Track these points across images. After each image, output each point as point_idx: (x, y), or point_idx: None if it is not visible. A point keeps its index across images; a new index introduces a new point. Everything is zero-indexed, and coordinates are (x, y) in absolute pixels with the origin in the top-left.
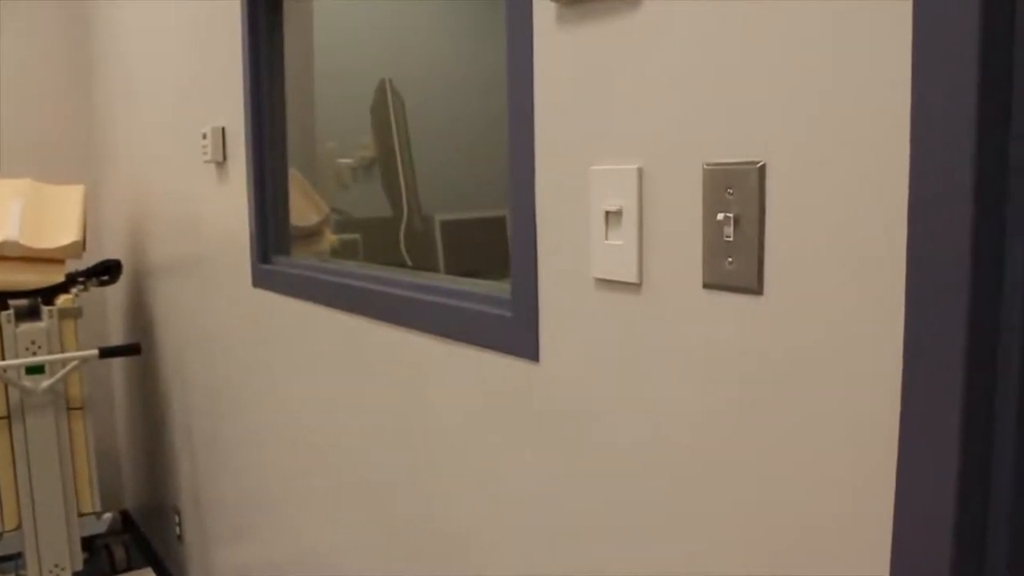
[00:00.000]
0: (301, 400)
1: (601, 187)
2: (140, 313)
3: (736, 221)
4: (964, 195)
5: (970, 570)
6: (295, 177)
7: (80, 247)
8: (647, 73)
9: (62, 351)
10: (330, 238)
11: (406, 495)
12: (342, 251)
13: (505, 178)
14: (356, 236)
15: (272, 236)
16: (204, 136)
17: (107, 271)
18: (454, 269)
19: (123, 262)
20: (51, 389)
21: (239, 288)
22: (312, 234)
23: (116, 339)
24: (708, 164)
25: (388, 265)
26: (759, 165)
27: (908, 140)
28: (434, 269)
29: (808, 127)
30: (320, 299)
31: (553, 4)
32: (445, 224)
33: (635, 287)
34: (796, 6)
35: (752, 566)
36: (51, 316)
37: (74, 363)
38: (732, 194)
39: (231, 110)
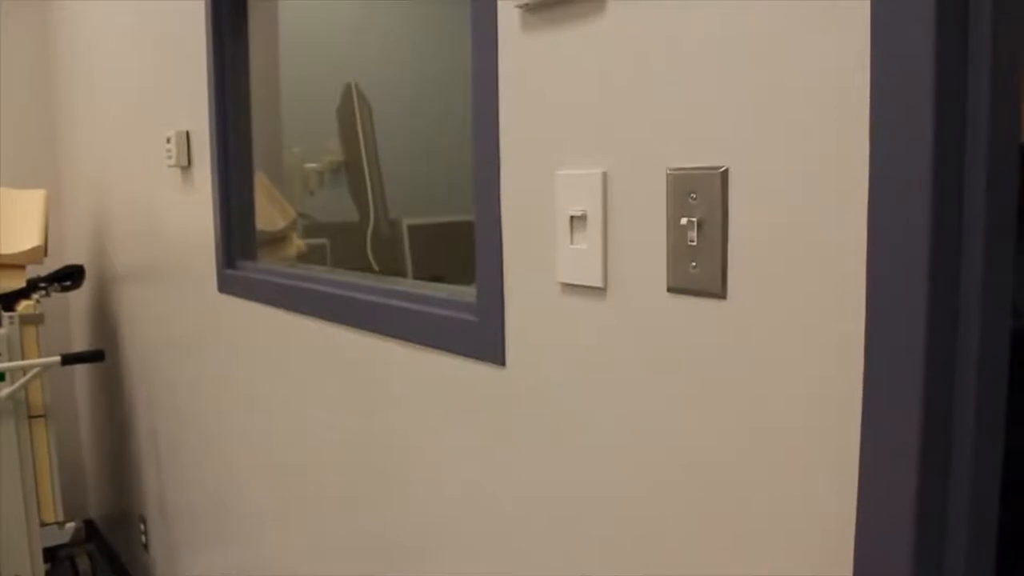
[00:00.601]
0: (267, 406)
1: (566, 192)
2: (104, 319)
3: (700, 225)
4: (922, 199)
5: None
6: (261, 181)
7: (41, 252)
8: (611, 79)
9: (23, 358)
10: (297, 243)
11: (373, 501)
12: (309, 256)
13: (472, 175)
14: (323, 241)
15: (238, 241)
16: (168, 140)
17: (70, 276)
18: (422, 273)
19: (86, 267)
20: (11, 397)
21: (205, 294)
22: (279, 239)
23: (79, 345)
24: (671, 169)
25: (355, 269)
26: (722, 170)
27: (867, 144)
28: (402, 273)
29: (770, 133)
30: (286, 304)
31: (518, 10)
32: (412, 228)
33: (600, 291)
34: (758, 13)
35: (721, 564)
36: (12, 322)
37: (36, 370)
38: (695, 199)
39: (196, 114)
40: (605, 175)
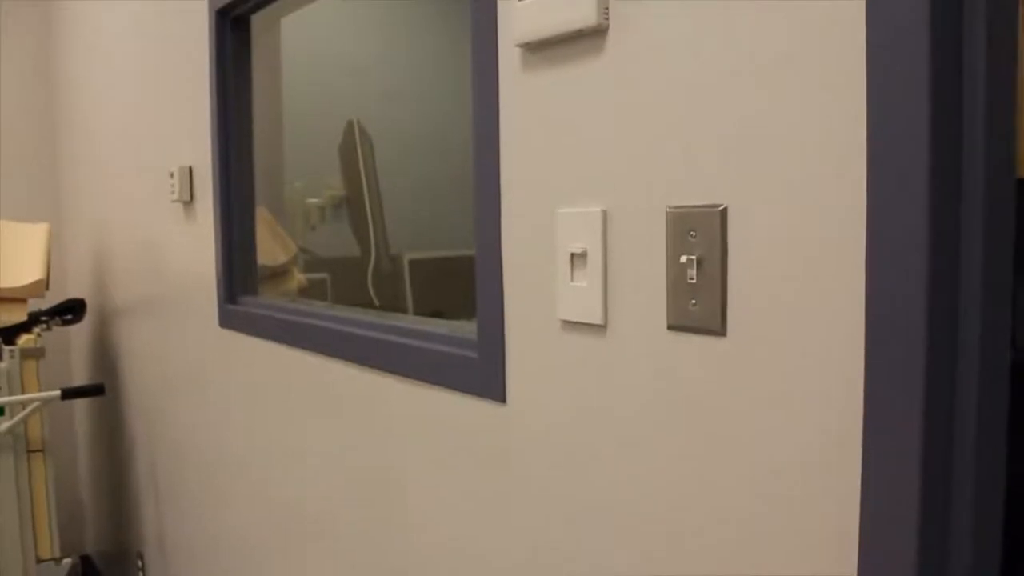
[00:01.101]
0: (267, 441)
1: (566, 229)
2: (105, 353)
3: (699, 263)
4: (920, 237)
5: None
6: (263, 215)
7: (43, 286)
8: (611, 117)
9: (23, 392)
10: (298, 277)
11: (373, 538)
12: (310, 290)
13: (473, 213)
14: (324, 275)
15: (239, 276)
16: (171, 175)
17: (71, 310)
18: (423, 307)
19: (87, 301)
20: (10, 431)
21: (206, 328)
22: (280, 273)
23: (80, 379)
24: (671, 207)
25: (356, 304)
26: (721, 208)
27: (864, 182)
28: (403, 308)
29: (769, 172)
30: (287, 340)
31: (518, 49)
32: (413, 263)
33: (600, 329)
34: (759, 55)
35: None
36: (12, 356)
37: (35, 404)
38: (695, 237)
39: (199, 149)
40: (605, 213)
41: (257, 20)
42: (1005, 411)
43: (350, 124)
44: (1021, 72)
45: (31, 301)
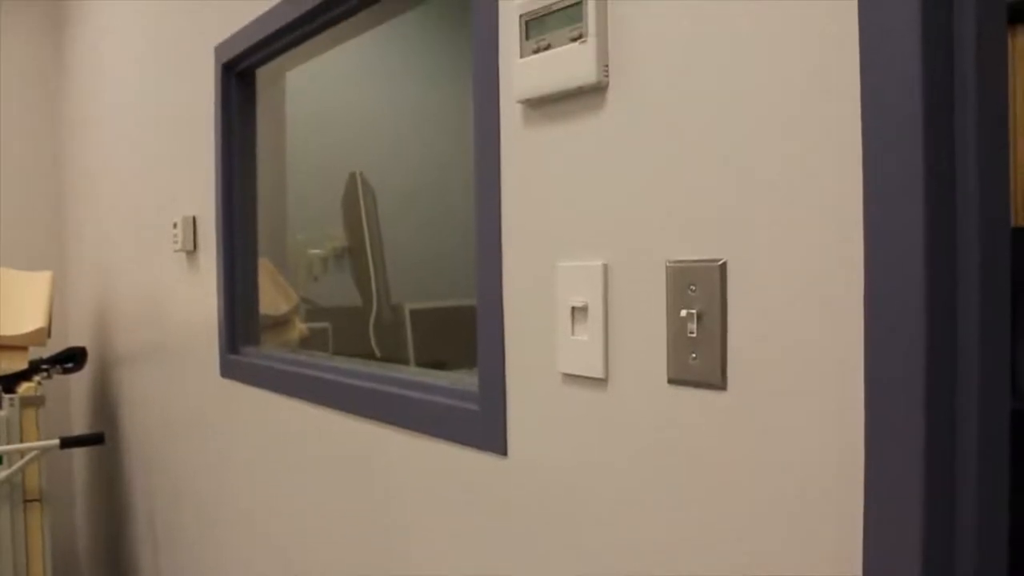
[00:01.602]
0: (267, 492)
1: (567, 283)
2: (104, 402)
3: (699, 317)
4: (917, 290)
5: None
6: (265, 265)
7: (45, 334)
8: (611, 172)
9: (22, 440)
10: (300, 327)
11: None
12: (311, 339)
13: (474, 267)
14: (325, 325)
15: (241, 326)
16: (175, 225)
17: (72, 358)
18: (424, 357)
19: (89, 349)
20: (8, 480)
21: (207, 378)
22: (282, 323)
23: (79, 427)
24: (671, 262)
25: (357, 353)
26: (720, 263)
27: (862, 236)
28: (404, 357)
29: (767, 227)
30: (288, 391)
31: (520, 105)
32: (415, 313)
33: (601, 382)
34: (754, 109)
35: None
36: (12, 404)
37: (34, 453)
38: (695, 291)
39: (203, 200)
40: (606, 267)
41: (262, 74)
42: (1006, 462)
43: (352, 176)
44: (1012, 127)
45: (32, 349)
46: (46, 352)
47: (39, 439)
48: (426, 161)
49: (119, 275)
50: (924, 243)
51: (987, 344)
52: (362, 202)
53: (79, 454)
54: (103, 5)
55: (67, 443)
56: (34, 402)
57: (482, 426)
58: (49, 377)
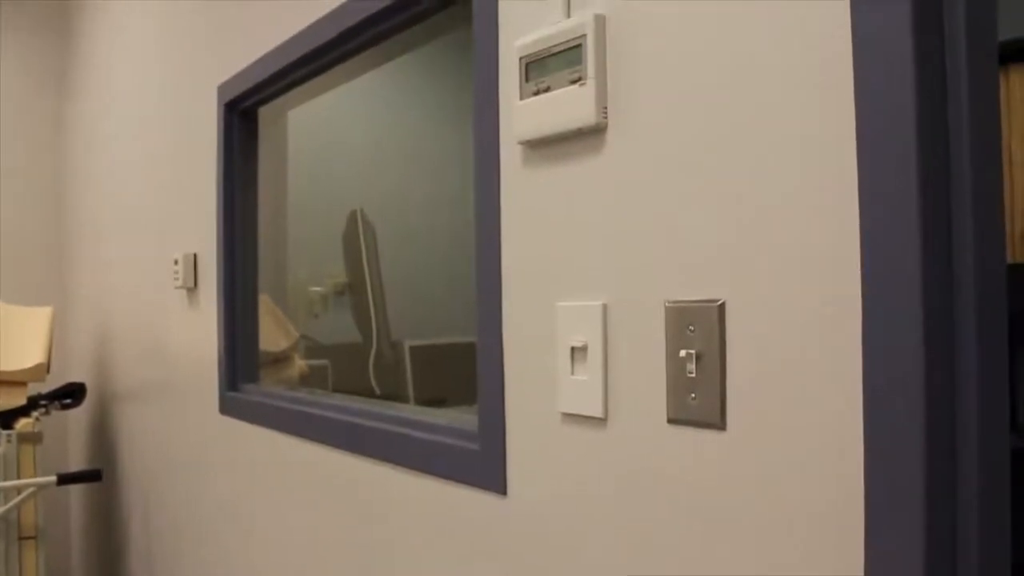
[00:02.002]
0: (266, 531)
1: (567, 323)
2: (103, 438)
3: (698, 358)
4: (914, 328)
5: None
6: (265, 302)
7: (44, 370)
8: (610, 213)
9: (18, 477)
10: (299, 364)
11: None
12: (311, 376)
13: (473, 303)
14: (325, 362)
15: (241, 364)
16: (176, 262)
17: (71, 394)
18: (423, 393)
19: (88, 385)
20: (3, 518)
21: (206, 415)
22: (281, 359)
23: (76, 463)
24: (670, 302)
25: (357, 390)
26: (719, 303)
27: (859, 276)
28: (403, 394)
29: (765, 267)
30: (287, 428)
31: (520, 146)
32: (414, 349)
33: (601, 422)
34: (752, 151)
35: None
36: (9, 441)
37: (30, 490)
38: (694, 331)
39: (204, 237)
40: (605, 307)
41: (264, 112)
42: (1007, 500)
43: (353, 213)
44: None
45: (31, 384)
46: (45, 387)
47: (36, 475)
48: (426, 199)
49: (120, 311)
50: (921, 282)
51: (985, 382)
52: (362, 239)
53: (76, 491)
54: (107, 44)
55: (64, 479)
56: (32, 438)
57: (481, 465)
58: (47, 413)
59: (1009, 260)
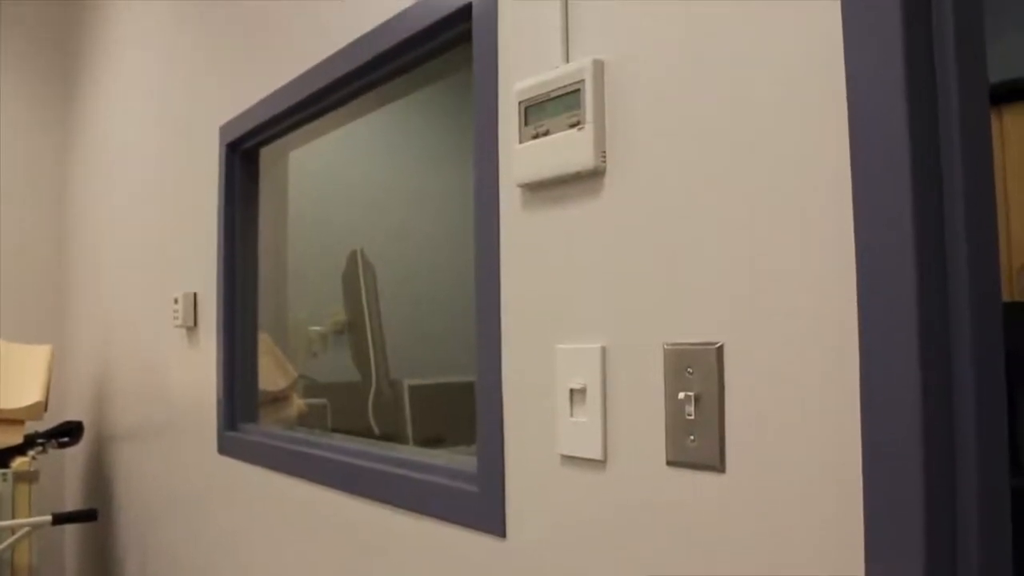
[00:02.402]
0: (265, 572)
1: (566, 365)
2: (99, 477)
3: (697, 400)
4: (911, 367)
5: None
6: (265, 341)
7: (42, 408)
8: (608, 255)
9: (13, 516)
10: (298, 403)
11: None
12: (310, 416)
13: (473, 343)
14: (324, 401)
15: (240, 403)
16: (176, 301)
17: (68, 433)
18: (423, 433)
19: (85, 423)
20: None
21: (204, 455)
22: (280, 398)
23: (72, 503)
24: (668, 344)
25: (356, 430)
26: (717, 346)
27: (856, 318)
28: (402, 433)
29: (763, 309)
30: (286, 468)
31: (519, 189)
32: (413, 388)
33: (600, 464)
34: (749, 194)
35: None
36: (4, 479)
37: (25, 530)
38: (692, 373)
39: (204, 276)
40: (604, 349)
41: (266, 152)
42: (1008, 538)
43: (353, 253)
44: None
45: (28, 422)
46: (42, 426)
47: (31, 515)
48: (426, 238)
49: (119, 349)
50: (918, 324)
51: (984, 421)
52: (362, 279)
53: (71, 530)
54: (110, 82)
55: (59, 519)
56: (27, 477)
57: (481, 507)
58: (44, 452)
59: (1008, 299)
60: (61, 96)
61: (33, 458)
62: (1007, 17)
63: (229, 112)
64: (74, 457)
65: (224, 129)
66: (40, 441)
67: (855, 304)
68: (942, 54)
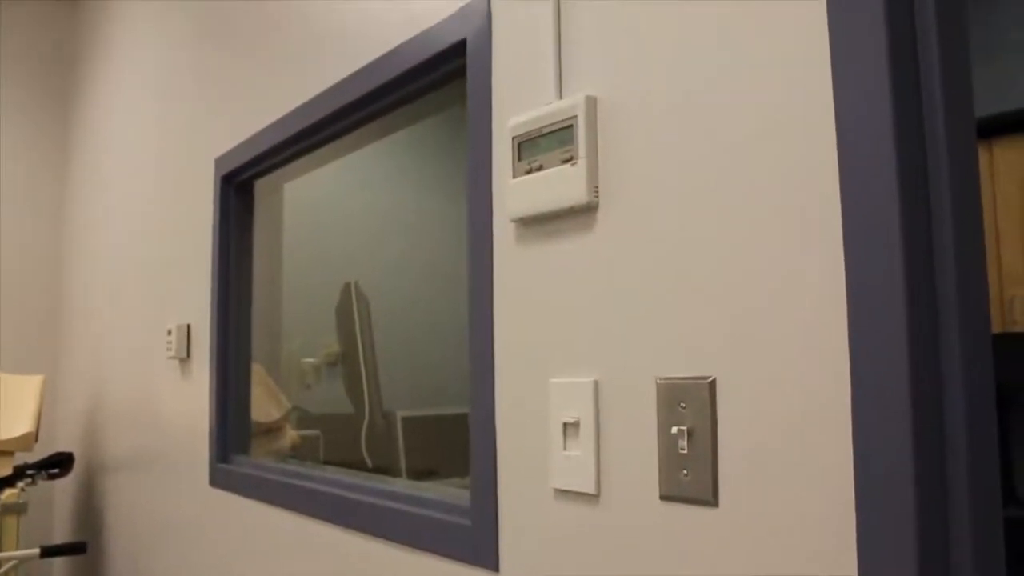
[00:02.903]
0: None
1: (559, 399)
2: (89, 509)
3: (690, 434)
4: (902, 400)
5: None
6: (258, 372)
7: (32, 439)
8: (601, 290)
9: (1, 550)
10: (291, 434)
11: None
12: (302, 447)
13: (466, 374)
14: (317, 432)
15: (232, 435)
16: (169, 332)
17: (58, 464)
18: (416, 465)
19: (76, 455)
20: None
21: (196, 487)
22: (273, 430)
23: (61, 535)
24: (661, 379)
25: (349, 462)
26: (710, 380)
27: (847, 352)
28: (395, 465)
29: (755, 344)
30: (279, 501)
31: (512, 223)
32: (407, 420)
33: (593, 498)
34: (741, 229)
35: None
36: None
37: (12, 563)
38: (685, 408)
39: (198, 307)
40: (597, 383)
41: (261, 185)
42: (1002, 573)
43: (347, 286)
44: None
45: (18, 453)
46: (33, 456)
47: (19, 548)
48: (420, 271)
49: (111, 380)
50: (908, 357)
51: (976, 453)
52: (356, 311)
53: (60, 564)
54: (107, 113)
55: (47, 552)
56: (16, 509)
57: (474, 541)
58: (34, 483)
59: (1000, 329)
60: (58, 130)
61: (22, 489)
62: (996, 50)
63: (225, 144)
64: (64, 488)
65: (220, 161)
66: (30, 472)
67: (846, 338)
68: (929, 91)
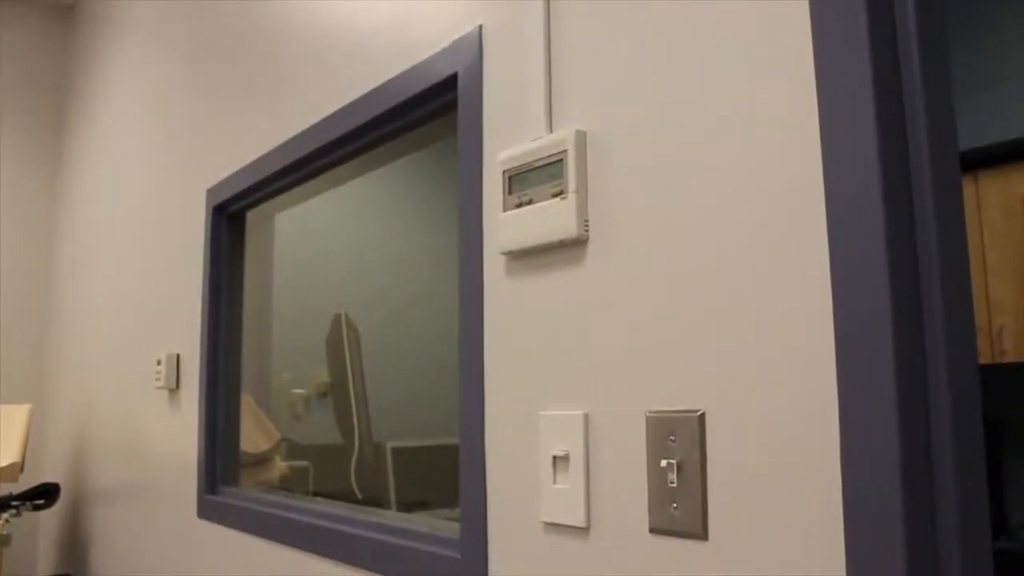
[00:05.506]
0: None
1: (549, 432)
2: (74, 541)
3: (679, 467)
4: (890, 431)
5: None
6: (248, 403)
7: (17, 469)
8: (591, 323)
9: None
10: (280, 466)
11: None
12: (292, 478)
13: (456, 405)
14: (306, 463)
15: (221, 467)
16: (159, 362)
17: (44, 495)
18: (405, 496)
19: (62, 485)
20: None
21: (183, 519)
22: (262, 461)
23: (45, 568)
24: (651, 412)
25: (338, 493)
26: (699, 414)
27: (835, 385)
28: (385, 496)
29: (744, 377)
30: (267, 534)
31: (503, 256)
32: (396, 451)
33: (583, 531)
34: (732, 265)
35: None
36: None
37: None
38: (674, 441)
39: (187, 337)
40: (586, 416)
41: (252, 215)
42: None
43: (337, 317)
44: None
45: (3, 484)
46: (18, 487)
47: None
48: (411, 302)
49: (99, 410)
50: (895, 390)
51: (964, 485)
52: (346, 342)
53: None
54: (99, 144)
55: None
56: (0, 541)
57: (463, 573)
58: (18, 514)
59: (989, 359)
60: (49, 157)
61: (7, 521)
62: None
63: (216, 175)
64: (49, 519)
65: (211, 192)
66: (14, 504)
67: (834, 372)
68: (914, 125)
